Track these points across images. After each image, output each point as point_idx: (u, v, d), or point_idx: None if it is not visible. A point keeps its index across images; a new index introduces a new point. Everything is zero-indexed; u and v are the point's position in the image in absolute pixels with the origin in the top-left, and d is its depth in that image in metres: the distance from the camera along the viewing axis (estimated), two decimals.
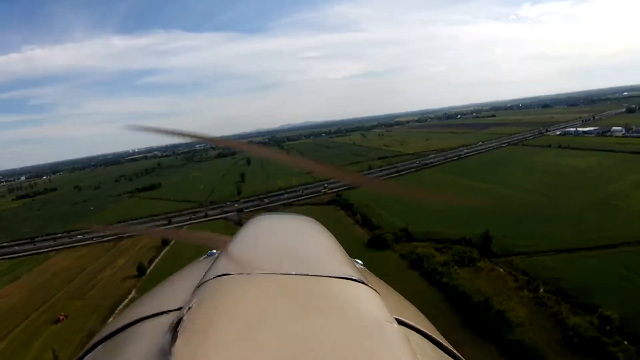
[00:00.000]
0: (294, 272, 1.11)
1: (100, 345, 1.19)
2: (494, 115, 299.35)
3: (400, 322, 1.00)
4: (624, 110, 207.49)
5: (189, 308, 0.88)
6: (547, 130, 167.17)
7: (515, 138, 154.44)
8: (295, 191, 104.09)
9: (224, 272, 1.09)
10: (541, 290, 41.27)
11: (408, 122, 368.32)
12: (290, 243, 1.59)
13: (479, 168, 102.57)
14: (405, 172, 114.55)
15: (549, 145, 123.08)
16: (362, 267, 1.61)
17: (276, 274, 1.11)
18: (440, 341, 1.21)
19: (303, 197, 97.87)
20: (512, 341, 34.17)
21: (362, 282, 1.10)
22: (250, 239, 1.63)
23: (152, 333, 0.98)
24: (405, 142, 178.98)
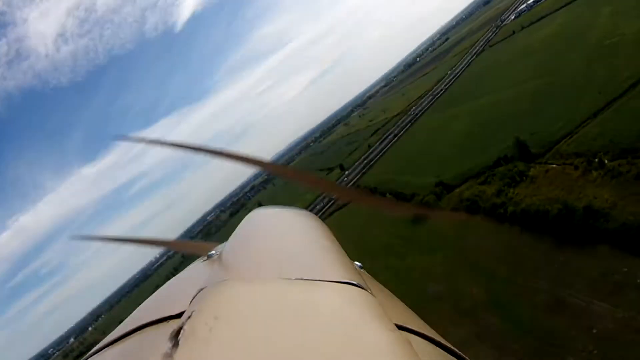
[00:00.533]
0: (293, 277, 1.10)
1: (101, 353, 1.18)
2: (447, 39, 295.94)
3: (400, 327, 1.01)
4: None
5: (189, 316, 0.88)
6: (502, 22, 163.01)
7: (479, 45, 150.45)
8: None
9: (223, 278, 1.10)
10: (606, 162, 37.89)
11: (377, 91, 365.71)
12: (289, 244, 1.56)
13: (467, 89, 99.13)
14: (402, 131, 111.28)
15: (513, 32, 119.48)
16: (361, 269, 1.56)
17: (275, 279, 1.11)
18: (444, 343, 1.18)
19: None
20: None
21: (361, 287, 1.09)
22: (248, 240, 1.66)
23: (153, 341, 0.98)
24: (386, 108, 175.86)
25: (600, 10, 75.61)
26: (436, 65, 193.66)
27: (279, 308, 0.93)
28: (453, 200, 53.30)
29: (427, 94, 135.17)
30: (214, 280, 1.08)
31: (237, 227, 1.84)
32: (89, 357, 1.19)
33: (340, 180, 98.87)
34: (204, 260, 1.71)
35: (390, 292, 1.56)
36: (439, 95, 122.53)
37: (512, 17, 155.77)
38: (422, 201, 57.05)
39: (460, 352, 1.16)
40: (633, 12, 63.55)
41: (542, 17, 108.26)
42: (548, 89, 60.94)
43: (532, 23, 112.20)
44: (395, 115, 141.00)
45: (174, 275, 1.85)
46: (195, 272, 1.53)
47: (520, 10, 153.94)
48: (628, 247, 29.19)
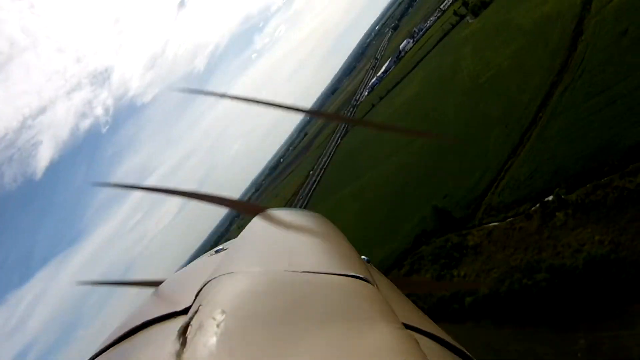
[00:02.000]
0: (299, 270, 1.10)
1: (109, 350, 1.15)
2: (306, 134, 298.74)
3: (405, 323, 1.00)
4: None
5: (196, 311, 0.88)
6: (357, 101, 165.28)
7: (340, 130, 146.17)
8: None
9: (230, 271, 1.10)
10: (563, 196, 28.95)
11: (249, 198, 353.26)
12: (297, 240, 1.59)
13: (343, 174, 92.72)
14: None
15: (373, 106, 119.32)
16: (369, 264, 1.54)
17: (281, 272, 1.11)
18: (449, 342, 1.15)
19: None
20: None
21: (368, 281, 1.10)
22: (257, 237, 1.68)
23: (160, 337, 0.97)
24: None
25: (460, 53, 75.63)
26: (300, 161, 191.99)
27: (286, 301, 0.93)
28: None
29: (301, 188, 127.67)
30: (219, 273, 1.07)
31: (247, 226, 1.81)
32: (96, 356, 1.15)
33: None
34: (210, 255, 1.67)
35: (397, 288, 1.51)
36: (314, 186, 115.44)
37: (366, 93, 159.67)
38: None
39: (466, 351, 1.13)
40: (495, 43, 63.25)
41: (398, 82, 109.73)
42: (437, 146, 54.75)
43: (388, 91, 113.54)
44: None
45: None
46: (201, 266, 1.47)
47: (373, 84, 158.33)
48: None
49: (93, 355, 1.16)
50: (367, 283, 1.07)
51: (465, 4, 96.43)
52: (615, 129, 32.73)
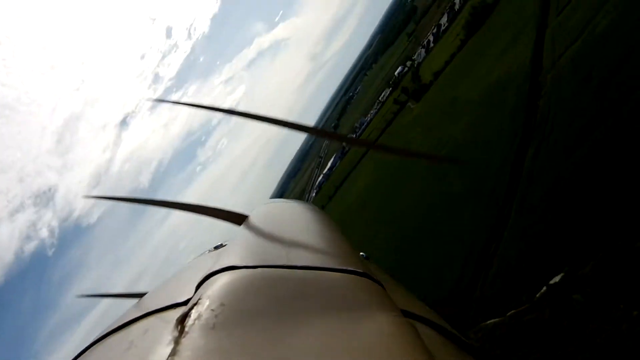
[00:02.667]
0: (298, 265, 1.11)
1: (108, 337, 1.18)
2: None
3: (406, 314, 1.02)
4: None
5: (196, 303, 0.89)
6: None
7: None
8: None
9: (230, 265, 1.10)
10: None
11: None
12: (295, 234, 1.59)
13: None
14: None
15: None
16: (366, 259, 1.57)
17: (281, 267, 1.11)
18: (448, 329, 1.19)
19: None
20: None
21: (367, 276, 1.10)
22: (255, 231, 1.65)
23: (159, 327, 1.00)
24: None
25: (408, 136, 71.35)
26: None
27: (284, 295, 0.93)
28: None
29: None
30: (219, 267, 1.08)
31: (246, 219, 1.81)
32: (94, 343, 1.17)
33: None
34: (210, 251, 1.72)
35: (396, 281, 1.53)
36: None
37: (314, 194, 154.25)
38: None
39: (467, 340, 1.15)
40: (445, 121, 59.32)
41: (345, 178, 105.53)
42: (400, 238, 45.84)
43: (337, 188, 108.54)
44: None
45: None
46: (202, 262, 1.51)
47: (320, 182, 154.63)
48: None
49: (93, 342, 1.19)
50: (367, 278, 1.06)
51: (404, 91, 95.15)
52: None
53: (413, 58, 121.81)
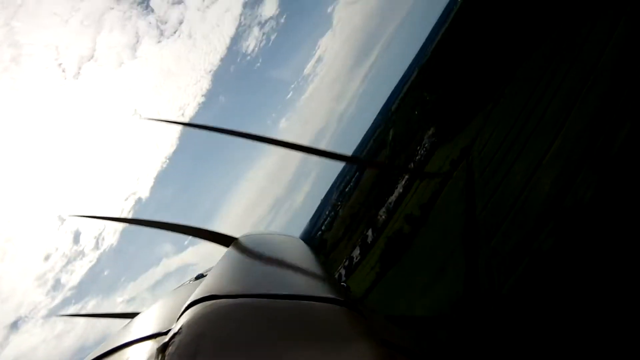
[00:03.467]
0: (279, 294, 1.11)
1: None
2: None
3: (385, 344, 1.01)
4: None
5: (176, 332, 0.88)
6: None
7: None
8: None
9: (211, 294, 1.10)
10: None
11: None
12: (275, 265, 1.62)
13: None
14: None
15: None
16: (347, 289, 1.57)
17: (261, 296, 1.11)
18: None
19: None
20: None
21: (348, 305, 1.10)
22: (236, 261, 1.67)
23: (140, 357, 1.00)
24: None
25: None
26: None
27: (264, 325, 0.93)
28: None
29: None
30: (201, 296, 1.07)
31: (226, 251, 1.81)
32: None
33: None
34: (191, 282, 1.71)
35: (376, 311, 1.52)
36: None
37: None
38: None
39: None
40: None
41: None
42: None
43: None
44: None
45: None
46: (184, 291, 1.50)
47: None
48: None
49: None
50: (347, 307, 1.06)
51: None
52: None
53: None
